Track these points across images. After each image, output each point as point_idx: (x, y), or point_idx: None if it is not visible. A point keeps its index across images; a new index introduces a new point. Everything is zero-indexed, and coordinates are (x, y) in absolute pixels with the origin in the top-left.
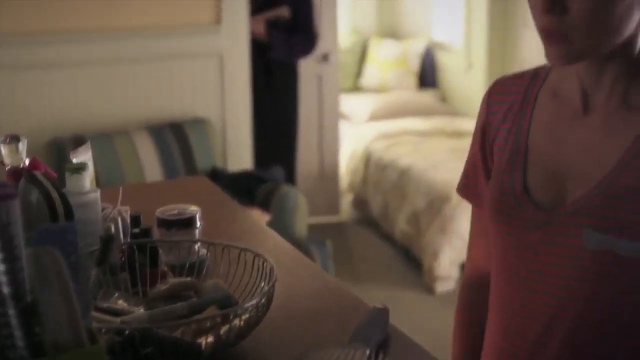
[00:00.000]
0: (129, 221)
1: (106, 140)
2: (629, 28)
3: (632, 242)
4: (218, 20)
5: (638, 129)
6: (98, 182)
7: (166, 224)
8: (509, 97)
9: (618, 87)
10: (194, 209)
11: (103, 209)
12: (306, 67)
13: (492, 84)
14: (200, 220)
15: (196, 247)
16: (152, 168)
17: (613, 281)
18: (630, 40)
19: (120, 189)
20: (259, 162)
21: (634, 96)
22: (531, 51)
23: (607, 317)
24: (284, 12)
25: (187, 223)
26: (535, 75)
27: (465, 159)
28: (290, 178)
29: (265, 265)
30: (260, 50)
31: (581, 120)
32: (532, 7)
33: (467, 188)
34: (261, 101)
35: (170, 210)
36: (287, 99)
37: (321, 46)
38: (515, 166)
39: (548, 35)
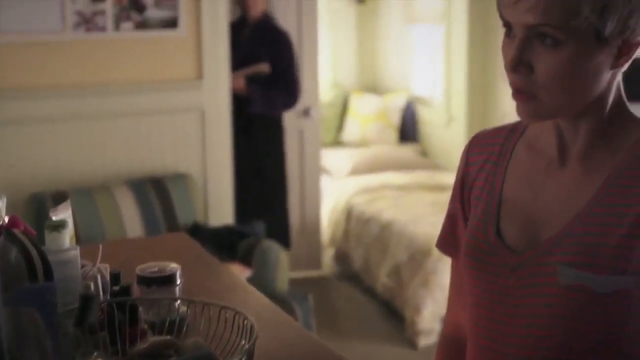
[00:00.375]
0: (108, 279)
1: (87, 195)
2: (598, 87)
3: (605, 278)
4: (200, 75)
5: (606, 173)
6: (78, 238)
7: (146, 281)
8: (487, 148)
9: (591, 143)
10: (174, 266)
11: (83, 267)
12: (288, 121)
13: (472, 137)
14: (180, 278)
15: (176, 304)
16: (133, 223)
17: (588, 317)
18: (601, 99)
19: (100, 246)
20: (247, 217)
21: (607, 147)
22: (510, 105)
23: (583, 356)
24: (263, 67)
25: (167, 280)
26: (514, 129)
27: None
28: (285, 232)
29: (245, 323)
30: (240, 106)
31: (556, 171)
32: (504, 65)
33: (446, 242)
34: (244, 156)
35: (151, 267)
36: (272, 153)
37: (302, 101)
38: (490, 214)
39: (516, 92)
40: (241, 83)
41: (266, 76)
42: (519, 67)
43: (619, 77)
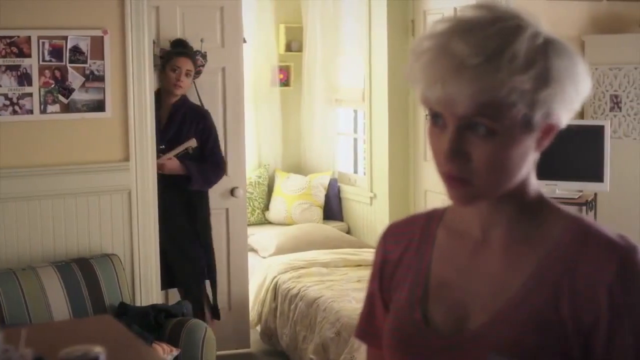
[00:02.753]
0: None
1: (12, 277)
2: (524, 171)
3: None
4: (126, 157)
5: (535, 260)
6: (3, 321)
7: None
8: (404, 237)
9: (514, 223)
10: (98, 350)
11: (5, 351)
12: (214, 200)
13: (387, 227)
14: None
15: None
16: (59, 305)
17: None
18: (523, 182)
19: (23, 330)
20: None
21: (530, 231)
22: (432, 183)
23: None
24: (192, 142)
25: None
26: (431, 216)
27: None
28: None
29: None
30: (177, 185)
31: (482, 253)
32: (434, 152)
33: (364, 331)
34: (183, 233)
35: (75, 351)
36: (206, 222)
37: (229, 180)
38: (414, 298)
39: (449, 179)
40: (175, 164)
41: (195, 153)
42: (457, 156)
43: (537, 156)
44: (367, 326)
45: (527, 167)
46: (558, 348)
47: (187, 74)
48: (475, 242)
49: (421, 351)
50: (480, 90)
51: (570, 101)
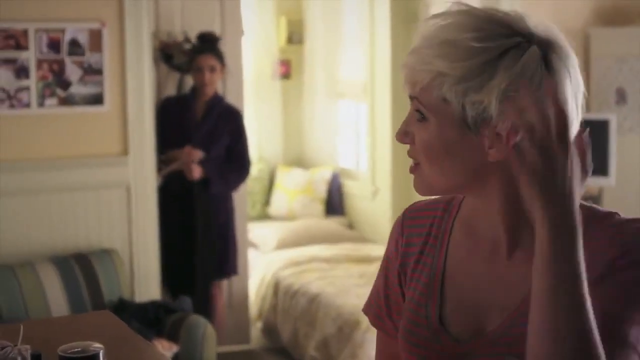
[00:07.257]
0: None
1: (9, 272)
2: (478, 174)
3: None
4: (125, 151)
5: None
6: (1, 317)
7: None
8: (422, 228)
9: (510, 232)
10: (97, 346)
11: (3, 348)
12: None
13: (404, 212)
14: (103, 357)
15: None
16: (57, 301)
17: None
18: (496, 187)
19: (21, 326)
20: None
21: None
22: None
23: None
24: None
25: None
26: (449, 205)
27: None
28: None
29: None
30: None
31: (498, 259)
32: None
33: (376, 316)
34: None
35: (73, 347)
36: (228, 221)
37: None
38: (431, 298)
39: (411, 165)
40: (198, 172)
41: (222, 154)
42: (405, 138)
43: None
44: (378, 311)
45: (482, 172)
46: None
47: (211, 70)
48: (490, 246)
49: (437, 356)
50: (416, 70)
51: (520, 114)
